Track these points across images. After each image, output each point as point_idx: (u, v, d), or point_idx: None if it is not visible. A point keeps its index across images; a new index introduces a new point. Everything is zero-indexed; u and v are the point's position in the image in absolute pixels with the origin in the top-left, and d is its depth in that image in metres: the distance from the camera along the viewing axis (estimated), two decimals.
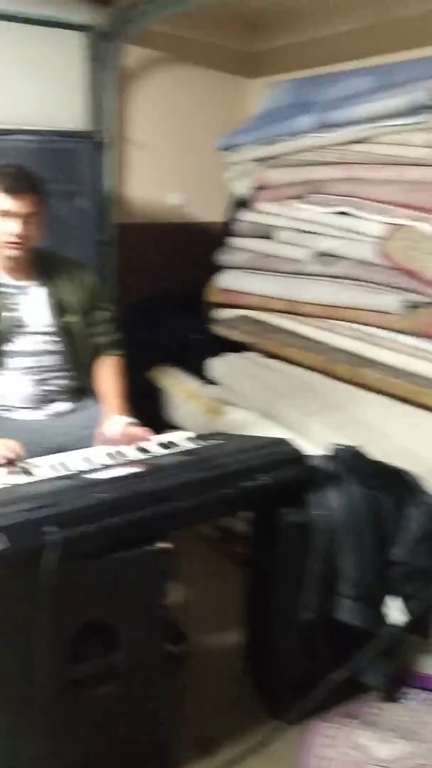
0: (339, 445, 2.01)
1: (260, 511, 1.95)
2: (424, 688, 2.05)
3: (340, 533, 1.83)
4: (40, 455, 1.90)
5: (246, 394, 2.86)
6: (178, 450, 1.93)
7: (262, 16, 3.46)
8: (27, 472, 1.79)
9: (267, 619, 1.95)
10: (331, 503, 1.86)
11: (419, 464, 2.26)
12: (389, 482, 1.98)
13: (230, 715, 1.96)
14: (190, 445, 1.98)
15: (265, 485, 1.73)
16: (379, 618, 1.88)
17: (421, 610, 1.91)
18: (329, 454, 1.99)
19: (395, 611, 1.89)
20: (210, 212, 3.60)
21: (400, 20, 2.85)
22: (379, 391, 2.52)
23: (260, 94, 3.51)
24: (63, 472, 1.78)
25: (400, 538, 1.91)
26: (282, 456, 1.84)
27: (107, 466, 1.79)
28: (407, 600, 1.89)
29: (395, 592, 1.90)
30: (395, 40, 2.91)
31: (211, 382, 3.10)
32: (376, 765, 1.78)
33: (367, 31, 3.03)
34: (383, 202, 2.59)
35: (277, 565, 1.88)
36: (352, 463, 1.95)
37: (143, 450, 1.96)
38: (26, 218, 2.02)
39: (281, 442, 1.92)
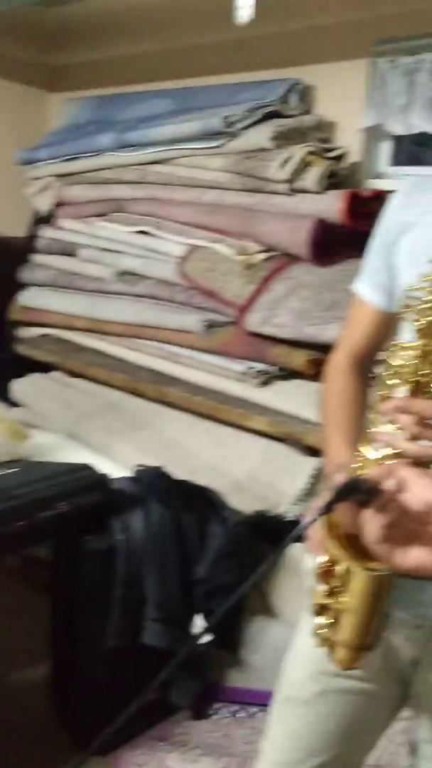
0: (141, 466, 2.01)
1: (62, 539, 1.89)
2: (233, 702, 2.09)
3: (143, 556, 1.82)
4: None
5: (51, 416, 2.77)
6: None
7: (62, 30, 3.41)
8: None
9: (72, 649, 1.89)
10: (134, 526, 1.84)
11: (223, 480, 2.32)
12: (192, 501, 2.00)
13: (37, 751, 1.87)
14: None
15: (64, 513, 1.68)
16: (187, 638, 1.88)
17: (227, 625, 1.94)
18: (132, 476, 1.98)
19: (200, 628, 1.91)
20: (11, 227, 3.47)
21: (200, 46, 2.92)
22: (184, 409, 2.55)
23: (62, 108, 3.45)
24: None
25: (203, 557, 1.93)
26: (82, 482, 1.80)
27: None
28: (212, 616, 1.92)
29: (201, 610, 1.92)
30: (195, 66, 2.98)
31: (14, 404, 2.97)
32: None
33: (168, 53, 3.08)
34: (182, 223, 2.64)
35: (81, 593, 1.83)
36: (154, 484, 1.96)
37: None
38: None
39: (83, 468, 1.88)
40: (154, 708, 1.96)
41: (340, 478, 0.78)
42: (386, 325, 1.16)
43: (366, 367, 1.24)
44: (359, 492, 0.71)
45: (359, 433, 1.13)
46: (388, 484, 0.71)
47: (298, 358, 2.17)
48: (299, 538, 0.79)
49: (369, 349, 1.23)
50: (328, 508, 0.70)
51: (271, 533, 2.07)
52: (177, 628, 1.86)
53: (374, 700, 1.14)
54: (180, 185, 2.72)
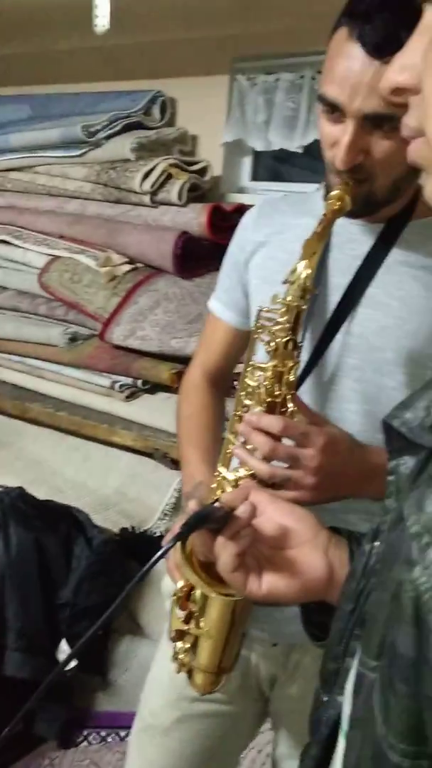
0: (1, 487, 1.92)
1: None
2: (101, 726, 2.03)
3: (3, 583, 1.74)
4: None
5: None
6: None
7: None
8: None
9: None
10: None
11: (90, 497, 2.26)
12: (56, 522, 1.93)
13: None
14: None
15: None
16: (51, 665, 1.81)
17: (93, 648, 1.89)
18: None
19: (65, 654, 1.84)
20: None
21: (60, 53, 2.86)
22: (47, 426, 2.47)
23: None
24: None
25: (69, 579, 1.87)
26: None
27: None
28: (77, 640, 1.86)
29: (67, 635, 1.86)
30: (54, 72, 2.91)
31: None
32: None
33: (26, 58, 2.99)
34: (43, 233, 2.56)
35: None
36: (14, 506, 1.87)
37: None
38: None
39: None
40: (19, 740, 1.87)
41: (192, 507, 0.76)
42: (241, 342, 1.17)
43: (222, 383, 1.24)
44: (211, 521, 0.70)
45: (216, 450, 1.13)
46: (241, 511, 0.70)
47: (164, 372, 2.15)
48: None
49: (224, 366, 1.23)
50: (179, 539, 0.68)
51: (139, 550, 2.04)
52: (40, 657, 1.78)
53: (234, 721, 1.14)
54: (40, 194, 2.64)
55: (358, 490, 0.92)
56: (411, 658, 0.40)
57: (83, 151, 2.48)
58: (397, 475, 0.52)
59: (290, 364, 0.88)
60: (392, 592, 0.43)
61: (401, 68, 0.49)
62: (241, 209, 2.24)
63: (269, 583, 0.71)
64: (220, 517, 0.70)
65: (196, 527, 0.68)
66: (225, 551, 0.70)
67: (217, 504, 0.72)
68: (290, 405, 0.88)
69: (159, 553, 0.65)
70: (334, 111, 0.88)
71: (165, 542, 1.01)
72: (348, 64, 0.84)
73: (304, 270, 0.87)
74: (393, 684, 0.41)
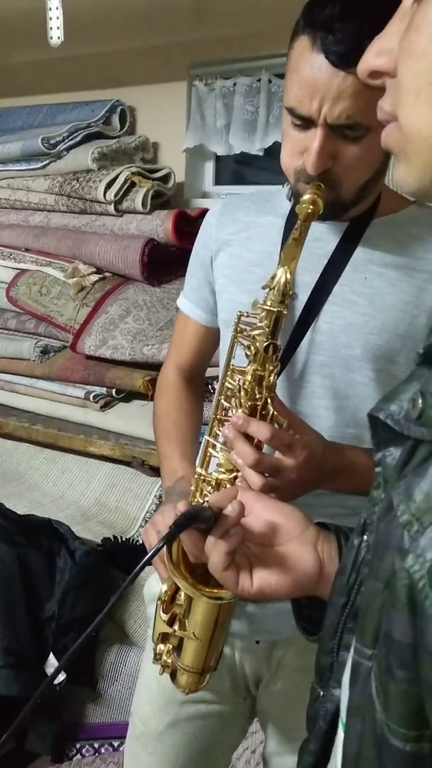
0: None
1: None
2: (94, 738, 2.02)
3: None
4: None
5: None
6: None
7: None
8: None
9: None
10: None
11: (71, 509, 2.26)
12: (37, 536, 1.92)
13: None
14: None
15: None
16: (40, 680, 1.80)
17: (81, 660, 1.88)
18: None
19: (54, 668, 1.83)
20: None
21: (16, 66, 2.84)
22: (23, 440, 2.46)
23: None
24: None
25: (53, 592, 1.86)
26: None
27: None
28: (65, 653, 1.85)
29: (54, 649, 1.85)
30: (11, 86, 2.89)
31: None
32: None
33: None
34: (9, 247, 2.55)
35: None
36: None
37: None
38: None
39: None
40: (11, 757, 1.85)
41: (181, 507, 0.77)
42: (212, 339, 1.18)
43: (196, 380, 1.25)
44: (200, 520, 0.70)
45: (195, 445, 1.13)
46: (230, 509, 0.71)
47: (137, 380, 2.15)
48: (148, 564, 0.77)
49: (197, 363, 1.24)
50: (169, 539, 0.68)
51: (122, 559, 2.04)
52: (29, 673, 1.77)
53: (225, 720, 1.14)
54: (4, 208, 2.62)
55: (327, 486, 0.95)
56: (408, 644, 0.41)
57: (45, 163, 2.48)
58: (384, 467, 0.53)
59: (270, 367, 0.89)
60: (385, 581, 0.44)
61: (379, 52, 0.50)
62: (206, 214, 2.26)
63: (260, 580, 0.72)
64: (209, 516, 0.70)
65: (185, 527, 0.69)
66: (216, 550, 0.70)
67: (205, 504, 0.73)
68: (270, 409, 0.89)
69: (148, 555, 0.66)
70: (302, 120, 0.89)
71: (144, 539, 1.02)
72: (313, 74, 0.85)
73: (283, 275, 0.88)
74: (391, 670, 0.43)
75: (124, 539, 2.12)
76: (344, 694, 0.54)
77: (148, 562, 0.65)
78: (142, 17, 2.37)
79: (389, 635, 0.43)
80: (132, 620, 2.00)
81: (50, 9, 1.89)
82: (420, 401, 0.48)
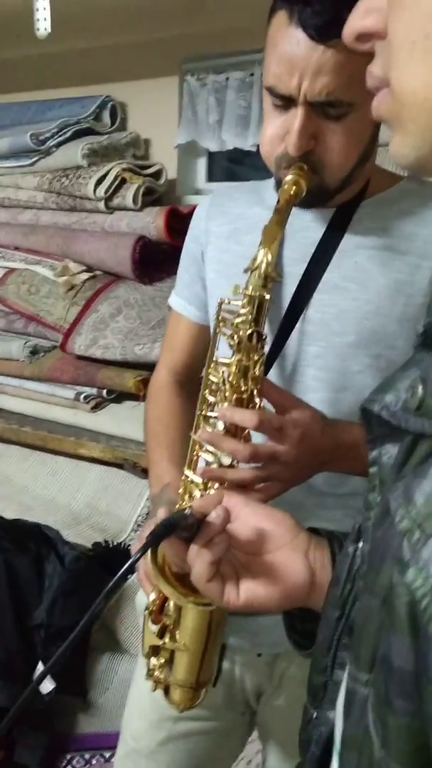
0: None
1: None
2: (85, 749, 1.97)
3: None
4: None
5: None
6: None
7: None
8: None
9: None
10: None
11: (61, 513, 2.20)
12: (25, 541, 1.87)
13: None
14: None
15: None
16: (30, 690, 1.75)
17: (70, 668, 1.83)
18: None
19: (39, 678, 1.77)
20: None
21: (4, 61, 2.79)
22: (12, 442, 2.40)
23: None
24: None
25: (41, 599, 1.80)
26: None
27: None
28: (49, 664, 1.79)
29: (43, 657, 1.79)
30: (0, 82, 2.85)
31: None
32: None
33: None
34: None
35: None
36: None
37: None
38: None
39: None
40: None
41: (161, 514, 0.72)
42: (206, 338, 1.13)
43: (189, 383, 1.20)
44: (181, 528, 0.65)
45: (184, 451, 1.09)
46: (214, 516, 0.66)
47: (129, 380, 2.10)
48: (132, 571, 0.72)
49: (190, 364, 1.19)
50: (146, 550, 0.63)
51: (114, 564, 1.99)
52: (18, 682, 1.72)
53: (221, 737, 1.09)
54: None
55: (328, 467, 0.90)
56: (409, 672, 0.36)
57: (34, 160, 2.43)
58: (380, 467, 0.48)
59: (255, 357, 0.84)
60: (383, 597, 0.39)
61: (366, 11, 0.44)
62: None
63: (247, 591, 0.66)
64: (191, 524, 0.65)
65: (164, 536, 0.64)
66: (199, 560, 0.65)
67: (187, 511, 0.68)
68: (258, 400, 0.85)
69: (125, 566, 0.61)
70: (282, 100, 0.85)
71: (133, 551, 0.97)
72: (291, 49, 0.82)
73: (264, 257, 0.83)
74: (390, 700, 0.37)
75: (114, 544, 2.06)
76: (338, 718, 0.49)
77: (124, 577, 0.60)
78: (133, 12, 2.32)
79: (387, 660, 0.37)
80: (123, 628, 1.94)
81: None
82: (420, 389, 0.42)
